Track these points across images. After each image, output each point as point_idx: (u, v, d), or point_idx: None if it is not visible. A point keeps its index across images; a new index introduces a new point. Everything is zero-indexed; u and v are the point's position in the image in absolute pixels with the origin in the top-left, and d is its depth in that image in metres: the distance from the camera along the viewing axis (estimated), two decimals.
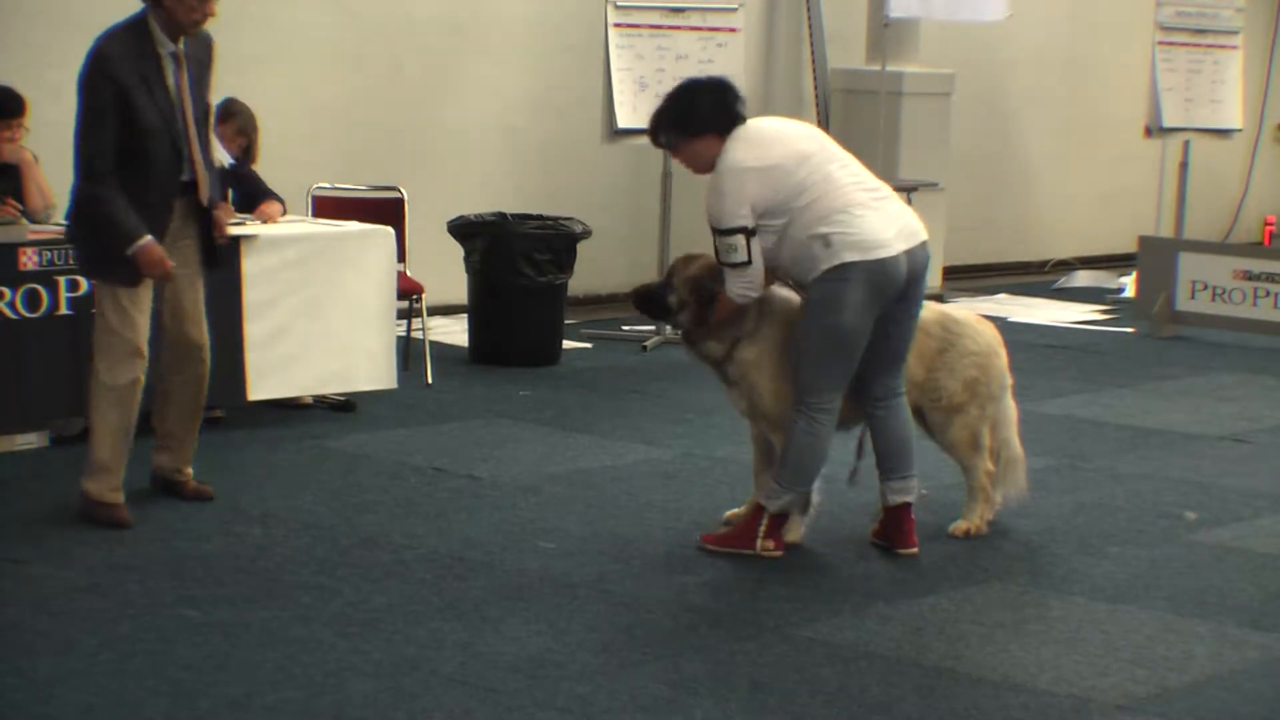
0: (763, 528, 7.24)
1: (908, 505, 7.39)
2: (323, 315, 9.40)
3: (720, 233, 7.02)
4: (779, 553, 7.25)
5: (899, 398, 7.34)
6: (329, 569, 6.94)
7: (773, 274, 7.19)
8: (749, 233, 6.97)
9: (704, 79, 7.44)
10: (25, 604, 6.44)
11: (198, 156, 7.50)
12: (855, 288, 6.97)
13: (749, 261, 7.00)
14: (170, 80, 7.45)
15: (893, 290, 7.05)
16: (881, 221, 7.02)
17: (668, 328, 12.08)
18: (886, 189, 7.22)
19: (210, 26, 11.33)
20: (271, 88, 11.18)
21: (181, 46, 7.52)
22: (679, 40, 12.18)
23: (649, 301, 7.53)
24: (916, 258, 7.11)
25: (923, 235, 7.19)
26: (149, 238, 7.32)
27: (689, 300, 7.31)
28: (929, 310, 7.59)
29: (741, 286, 7.08)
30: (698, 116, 7.15)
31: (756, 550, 7.23)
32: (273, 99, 10.81)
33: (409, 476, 8.41)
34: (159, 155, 7.37)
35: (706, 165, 7.15)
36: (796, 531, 7.42)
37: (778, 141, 7.11)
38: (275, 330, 9.23)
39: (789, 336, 7.21)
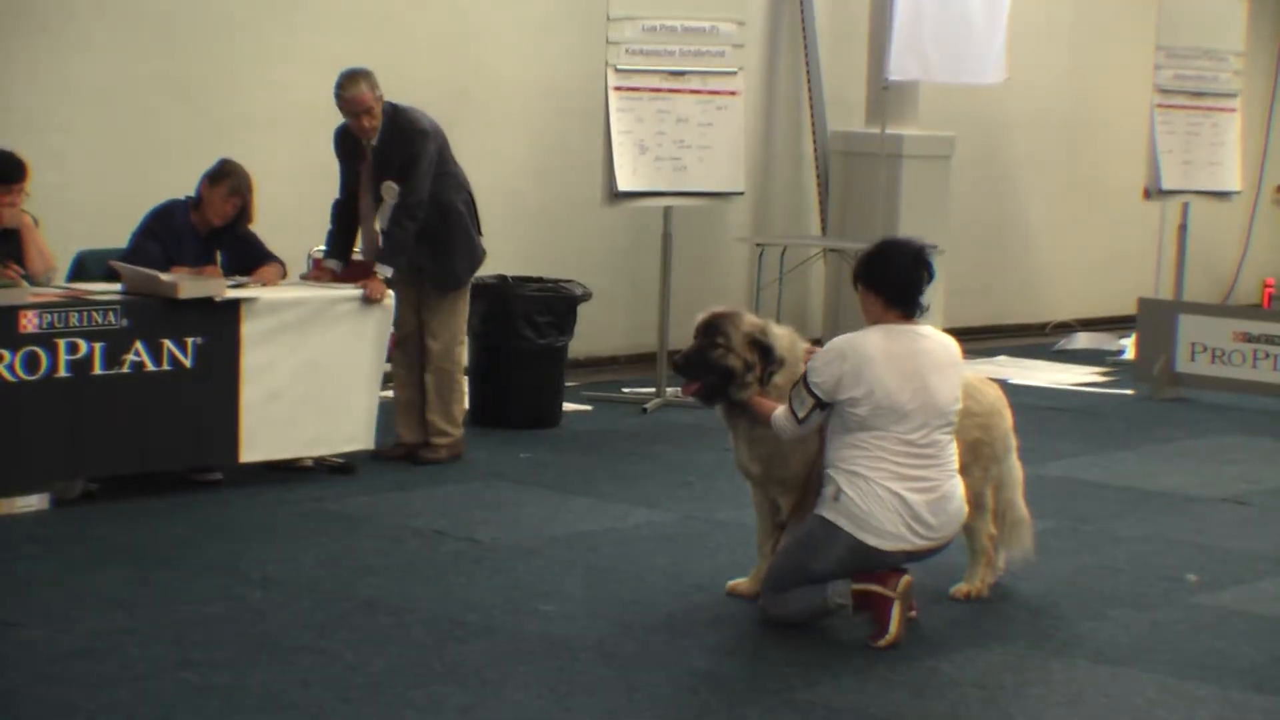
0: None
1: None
2: (317, 378, 9.42)
3: (804, 379, 7.02)
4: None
5: None
6: (329, 632, 6.91)
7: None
8: (821, 405, 6.95)
9: (900, 250, 7.14)
10: (23, 668, 6.41)
11: None
12: (837, 548, 6.96)
13: (802, 421, 7.01)
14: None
15: (877, 565, 6.99)
16: (894, 513, 6.90)
17: (668, 389, 12.10)
18: (940, 474, 7.00)
19: (207, 87, 11.52)
20: (270, 150, 11.20)
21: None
22: (679, 103, 12.20)
23: (703, 367, 7.32)
24: (922, 557, 7.08)
25: (948, 529, 7.05)
26: None
27: (752, 359, 7.25)
28: None
29: (785, 423, 7.08)
30: (862, 270, 7.09)
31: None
32: (271, 161, 10.83)
33: (409, 539, 8.39)
34: None
35: (864, 314, 7.13)
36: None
37: (887, 364, 6.90)
38: (270, 393, 9.23)
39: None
